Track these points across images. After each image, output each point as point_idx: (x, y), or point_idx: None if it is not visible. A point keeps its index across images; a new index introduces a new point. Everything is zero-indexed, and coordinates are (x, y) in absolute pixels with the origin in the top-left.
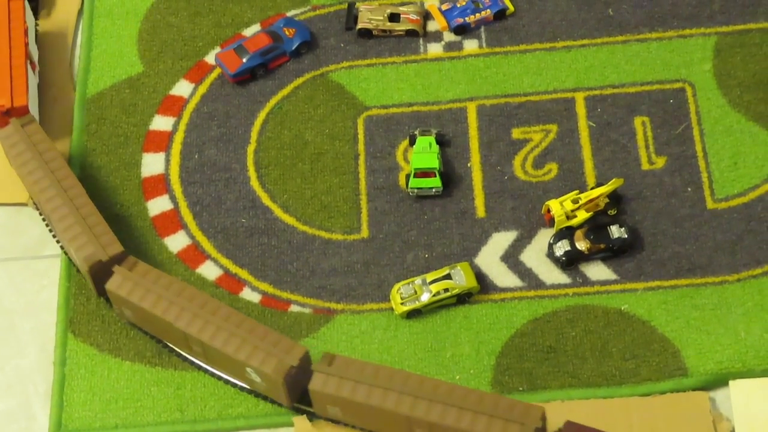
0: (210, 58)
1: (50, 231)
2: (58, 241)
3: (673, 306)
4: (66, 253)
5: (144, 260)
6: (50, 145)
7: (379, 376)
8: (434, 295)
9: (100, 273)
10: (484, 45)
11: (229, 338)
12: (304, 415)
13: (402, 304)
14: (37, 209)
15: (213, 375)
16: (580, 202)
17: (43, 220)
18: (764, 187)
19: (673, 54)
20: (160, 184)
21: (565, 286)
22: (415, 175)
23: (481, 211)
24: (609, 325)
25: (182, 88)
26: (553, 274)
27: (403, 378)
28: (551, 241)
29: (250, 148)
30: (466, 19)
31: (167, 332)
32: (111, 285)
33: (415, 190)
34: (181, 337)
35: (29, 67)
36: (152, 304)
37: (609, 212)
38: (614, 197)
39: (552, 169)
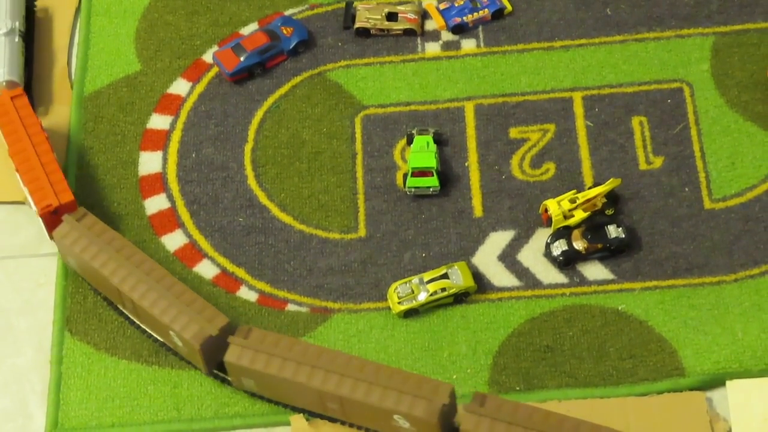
0: (207, 57)
1: (126, 317)
2: (141, 330)
3: (671, 306)
4: (154, 338)
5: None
6: (112, 232)
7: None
8: (431, 295)
9: (212, 348)
10: (481, 44)
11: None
12: (301, 414)
13: (399, 303)
14: (100, 293)
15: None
16: (578, 202)
17: (116, 308)
18: (762, 187)
19: (671, 54)
20: (157, 183)
21: (563, 285)
22: (413, 175)
23: (478, 211)
24: (606, 324)
25: (180, 86)
26: (550, 274)
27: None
28: (548, 241)
29: (248, 147)
30: (464, 18)
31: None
32: (230, 357)
33: (413, 190)
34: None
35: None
36: (278, 368)
37: (606, 212)
38: (612, 197)
39: (549, 168)
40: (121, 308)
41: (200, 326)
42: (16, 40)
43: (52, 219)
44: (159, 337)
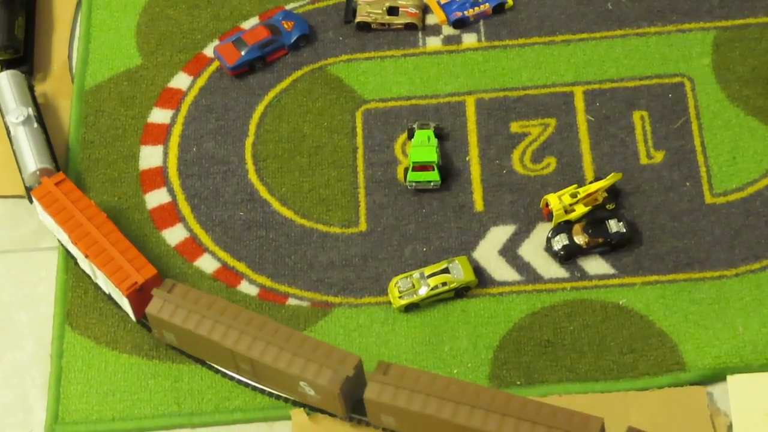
0: (208, 51)
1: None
2: (265, 391)
3: (671, 300)
4: (275, 395)
5: (141, 253)
6: (207, 296)
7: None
8: (432, 289)
9: (349, 389)
10: (482, 39)
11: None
12: (302, 409)
13: (400, 297)
14: (208, 364)
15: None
16: (579, 197)
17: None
18: (763, 182)
19: (672, 48)
20: (158, 177)
21: (563, 280)
22: (414, 169)
23: (479, 205)
24: (607, 319)
25: (181, 80)
26: (551, 269)
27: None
28: (549, 236)
29: (249, 141)
30: (465, 12)
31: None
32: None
33: (414, 184)
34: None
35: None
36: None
37: (607, 206)
38: (613, 191)
39: (550, 163)
40: (234, 374)
41: (334, 370)
42: (35, 125)
43: (138, 297)
44: (282, 393)
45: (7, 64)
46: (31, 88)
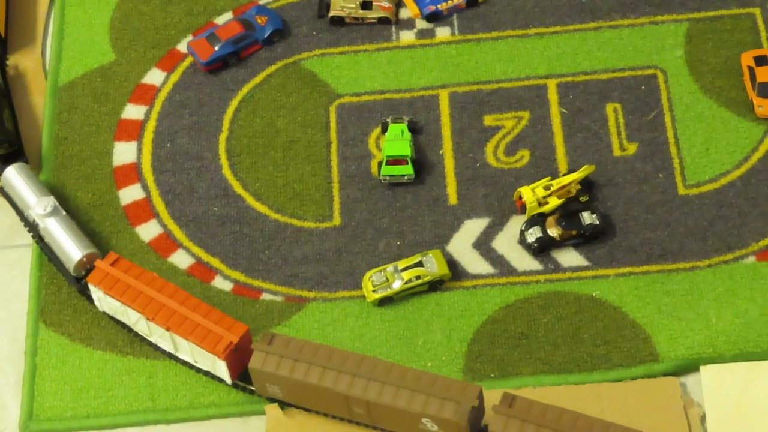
0: (182, 47)
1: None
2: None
3: (645, 292)
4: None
5: (115, 250)
6: (311, 343)
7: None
8: (406, 283)
9: (475, 419)
10: (456, 32)
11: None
12: (276, 403)
13: (374, 291)
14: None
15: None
16: (552, 189)
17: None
18: (735, 173)
19: (645, 40)
20: (132, 173)
21: (537, 272)
22: (388, 163)
23: (453, 199)
24: (580, 311)
25: (154, 76)
26: (524, 261)
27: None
28: (523, 228)
29: (222, 137)
30: (439, 6)
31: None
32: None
33: (388, 178)
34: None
35: None
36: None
37: (581, 199)
38: (586, 184)
39: (524, 156)
40: (344, 418)
41: (457, 402)
42: (63, 213)
43: (233, 357)
44: None
45: (3, 159)
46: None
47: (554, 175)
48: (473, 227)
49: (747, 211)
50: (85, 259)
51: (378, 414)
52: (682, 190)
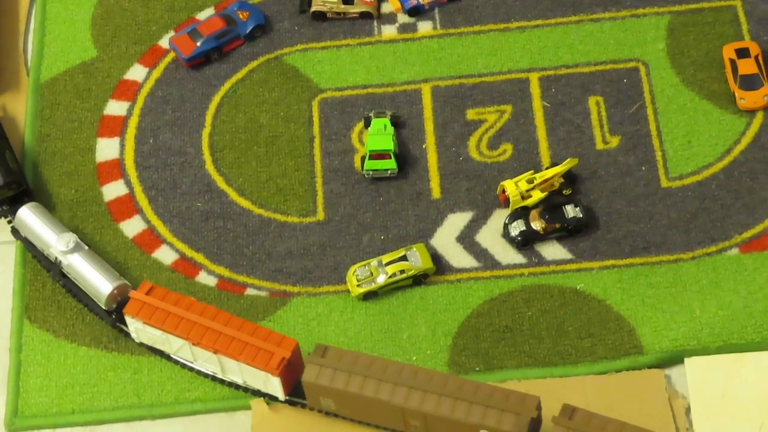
0: (164, 42)
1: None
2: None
3: (629, 284)
4: None
5: (99, 246)
6: (363, 356)
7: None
8: (390, 277)
9: (533, 429)
10: (438, 26)
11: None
12: (262, 399)
13: (358, 286)
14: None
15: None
16: (535, 182)
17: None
18: (718, 165)
19: (627, 33)
20: (115, 169)
21: (521, 266)
22: (371, 157)
23: (436, 193)
24: (565, 304)
25: (136, 72)
26: (508, 255)
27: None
28: (507, 222)
29: (205, 132)
30: (420, 0)
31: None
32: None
33: (371, 172)
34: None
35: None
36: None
37: (564, 192)
38: (569, 177)
39: (507, 149)
40: (396, 430)
41: (516, 413)
42: (86, 248)
43: (286, 373)
44: None
45: (12, 200)
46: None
47: (537, 169)
48: (457, 221)
49: (730, 204)
50: (116, 292)
51: (435, 426)
52: (665, 183)
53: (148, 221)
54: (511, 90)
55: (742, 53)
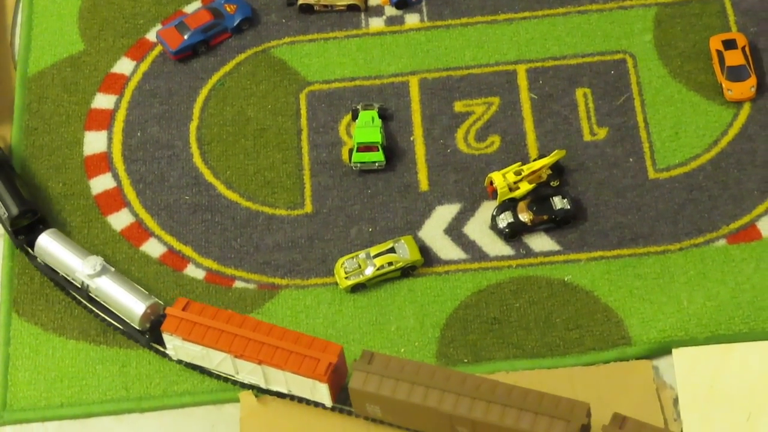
0: (151, 36)
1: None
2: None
3: (616, 276)
4: None
5: (87, 239)
6: (410, 363)
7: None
8: (378, 269)
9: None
10: (425, 19)
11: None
12: (250, 391)
13: (346, 278)
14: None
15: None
16: (523, 174)
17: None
18: (705, 157)
19: (614, 25)
20: (102, 163)
21: (509, 257)
22: (358, 150)
23: (424, 185)
24: (553, 295)
25: (124, 65)
26: (496, 246)
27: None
28: (494, 213)
29: (193, 125)
30: None
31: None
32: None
33: (359, 165)
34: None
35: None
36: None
37: (551, 184)
38: (557, 169)
39: (494, 141)
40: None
41: (566, 420)
42: (113, 270)
43: (333, 378)
44: None
45: (27, 229)
46: None
47: (525, 161)
48: (445, 213)
49: (717, 195)
50: (149, 311)
51: None
52: (652, 174)
53: (136, 214)
54: (498, 82)
55: (729, 44)
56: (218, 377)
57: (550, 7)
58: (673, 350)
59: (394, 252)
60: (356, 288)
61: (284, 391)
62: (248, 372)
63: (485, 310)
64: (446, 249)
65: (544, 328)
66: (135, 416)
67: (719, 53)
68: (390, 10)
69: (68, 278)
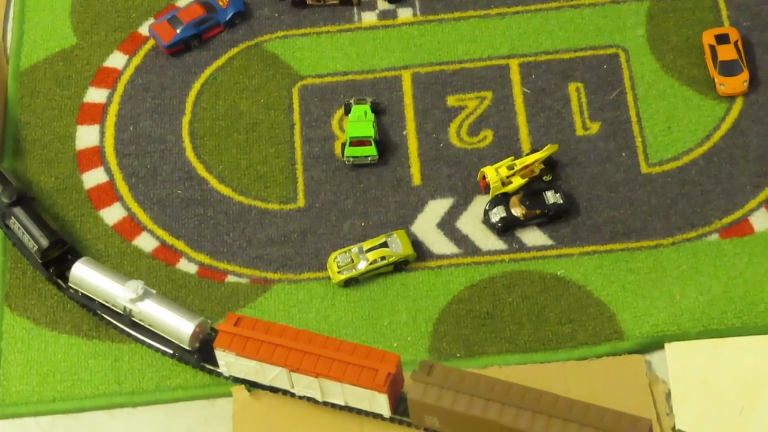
0: (144, 30)
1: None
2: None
3: (609, 270)
4: None
5: (79, 234)
6: (470, 374)
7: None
8: (371, 264)
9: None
10: (418, 13)
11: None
12: (242, 385)
13: (339, 272)
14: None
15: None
16: (516, 169)
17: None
18: (698, 151)
19: (607, 20)
20: (95, 157)
21: (502, 252)
22: (351, 144)
23: (417, 179)
24: (545, 290)
25: (116, 59)
26: (489, 241)
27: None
28: (487, 208)
29: (185, 119)
30: None
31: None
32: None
33: (351, 159)
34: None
35: None
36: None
37: (544, 178)
38: (549, 163)
39: (487, 136)
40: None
41: None
42: (154, 292)
43: (392, 389)
44: None
45: (57, 260)
46: None
47: (517, 155)
48: (437, 207)
49: (710, 189)
50: (197, 330)
51: None
52: (645, 169)
53: (128, 208)
54: (491, 76)
55: (722, 39)
56: (274, 391)
57: (542, 2)
58: (666, 345)
59: (387, 246)
60: (349, 282)
61: (341, 403)
62: (305, 386)
63: (478, 305)
64: (439, 243)
65: (536, 322)
66: (127, 411)
67: (712, 48)
68: (382, 4)
69: (107, 305)
